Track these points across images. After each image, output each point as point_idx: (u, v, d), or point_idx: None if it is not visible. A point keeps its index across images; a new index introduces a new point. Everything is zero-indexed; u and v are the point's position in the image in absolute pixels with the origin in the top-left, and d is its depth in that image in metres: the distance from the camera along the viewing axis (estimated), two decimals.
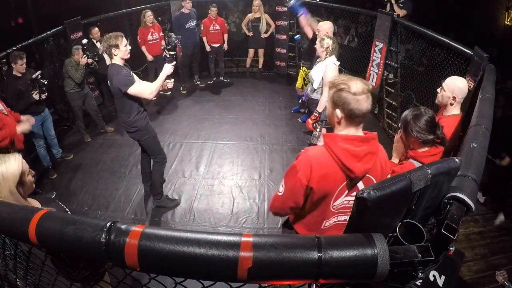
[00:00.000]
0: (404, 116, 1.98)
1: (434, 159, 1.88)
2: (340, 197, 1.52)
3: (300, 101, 4.79)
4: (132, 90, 2.83)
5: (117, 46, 2.81)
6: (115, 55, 2.85)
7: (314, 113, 3.48)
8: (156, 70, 5.88)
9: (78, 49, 4.32)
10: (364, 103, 1.38)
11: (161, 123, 5.09)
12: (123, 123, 3.12)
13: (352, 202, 1.43)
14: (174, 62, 3.00)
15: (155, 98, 3.09)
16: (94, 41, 5.07)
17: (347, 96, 1.38)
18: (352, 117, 1.42)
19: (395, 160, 2.22)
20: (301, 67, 4.75)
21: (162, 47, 3.50)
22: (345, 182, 1.48)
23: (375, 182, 1.49)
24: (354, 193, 1.45)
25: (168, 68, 2.95)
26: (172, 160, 4.26)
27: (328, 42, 3.29)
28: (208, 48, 6.05)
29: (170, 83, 3.08)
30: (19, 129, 3.12)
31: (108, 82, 2.93)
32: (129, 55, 2.92)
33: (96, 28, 5.07)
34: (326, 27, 3.75)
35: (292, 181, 1.50)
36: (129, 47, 2.91)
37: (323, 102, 3.33)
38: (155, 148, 3.29)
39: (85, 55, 4.31)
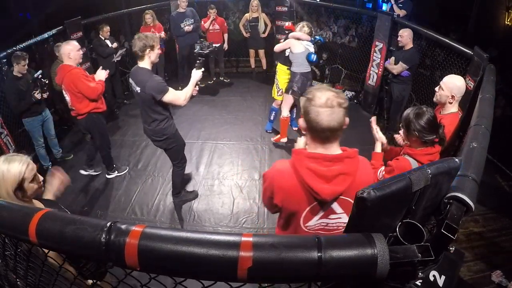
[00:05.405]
0: (406, 114, 1.97)
1: (430, 158, 1.88)
2: (312, 219, 1.41)
3: None
4: (166, 98, 2.68)
5: (152, 48, 2.66)
6: (148, 57, 2.68)
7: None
8: (157, 70, 5.89)
9: (59, 46, 4.21)
10: (324, 117, 1.24)
11: None
12: (150, 132, 2.97)
13: (331, 225, 1.44)
14: (203, 68, 2.92)
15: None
16: (102, 38, 5.13)
17: (308, 106, 1.29)
18: (312, 130, 1.30)
19: (377, 149, 2.16)
20: None
21: (195, 51, 3.43)
22: (314, 203, 1.36)
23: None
24: (332, 216, 1.40)
25: (197, 74, 2.84)
26: None
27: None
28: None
29: (196, 90, 2.95)
30: (99, 75, 3.49)
31: (138, 88, 2.73)
32: (158, 59, 2.80)
33: (108, 27, 5.18)
34: (406, 34, 4.05)
35: (263, 188, 1.50)
36: (160, 51, 2.80)
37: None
38: (180, 154, 3.25)
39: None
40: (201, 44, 3.43)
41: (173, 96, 2.72)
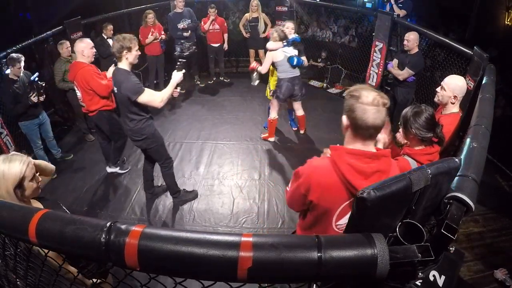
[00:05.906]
0: (405, 112, 1.99)
1: (429, 158, 1.88)
2: (344, 216, 1.43)
3: None
4: (142, 99, 2.70)
5: (129, 49, 2.69)
6: (125, 59, 2.71)
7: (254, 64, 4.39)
8: (157, 70, 5.89)
9: (62, 44, 4.32)
10: (370, 115, 1.28)
11: (161, 123, 5.07)
12: (129, 131, 2.99)
13: None
14: (184, 70, 2.90)
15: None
16: (105, 37, 5.15)
17: (354, 103, 1.31)
18: (356, 128, 1.33)
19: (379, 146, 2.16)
20: None
21: (176, 53, 3.31)
22: (349, 201, 1.38)
23: None
24: None
25: (178, 76, 2.83)
26: None
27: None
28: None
29: (177, 92, 2.94)
30: (110, 74, 3.36)
31: (115, 88, 2.80)
32: (137, 60, 2.80)
33: (111, 26, 5.21)
34: (412, 37, 3.97)
35: (294, 185, 1.49)
36: (139, 52, 2.80)
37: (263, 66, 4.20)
38: (162, 154, 3.23)
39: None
40: (181, 46, 3.34)
41: (149, 97, 2.74)
